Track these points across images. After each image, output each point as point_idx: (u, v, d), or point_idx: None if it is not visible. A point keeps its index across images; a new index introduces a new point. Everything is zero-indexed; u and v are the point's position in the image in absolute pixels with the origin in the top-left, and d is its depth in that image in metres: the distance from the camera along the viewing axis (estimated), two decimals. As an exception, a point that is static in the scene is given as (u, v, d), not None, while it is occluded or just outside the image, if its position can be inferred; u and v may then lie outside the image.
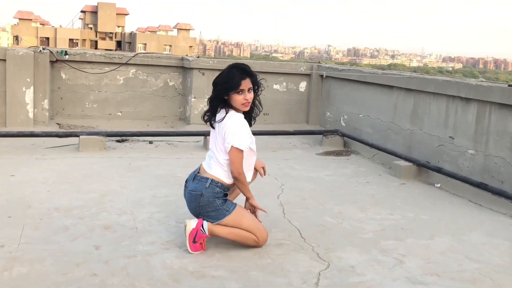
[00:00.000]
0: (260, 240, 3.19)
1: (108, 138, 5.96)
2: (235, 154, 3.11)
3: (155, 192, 4.29)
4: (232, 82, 3.13)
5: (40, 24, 65.50)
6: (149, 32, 68.66)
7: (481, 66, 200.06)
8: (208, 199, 3.14)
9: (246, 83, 3.14)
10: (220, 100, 3.21)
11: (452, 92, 4.86)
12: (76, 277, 2.75)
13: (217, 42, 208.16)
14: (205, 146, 6.05)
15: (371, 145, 5.92)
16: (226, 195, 3.22)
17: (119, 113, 7.27)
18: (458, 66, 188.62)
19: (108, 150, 5.72)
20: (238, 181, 3.19)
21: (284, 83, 7.42)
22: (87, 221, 3.56)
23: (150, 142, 6.25)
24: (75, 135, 5.77)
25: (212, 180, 3.17)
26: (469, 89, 4.66)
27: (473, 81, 4.84)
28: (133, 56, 7.25)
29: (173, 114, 7.51)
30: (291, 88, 7.46)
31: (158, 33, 68.36)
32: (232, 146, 3.10)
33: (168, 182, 4.58)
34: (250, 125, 3.32)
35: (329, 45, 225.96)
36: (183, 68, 7.39)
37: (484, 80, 5.08)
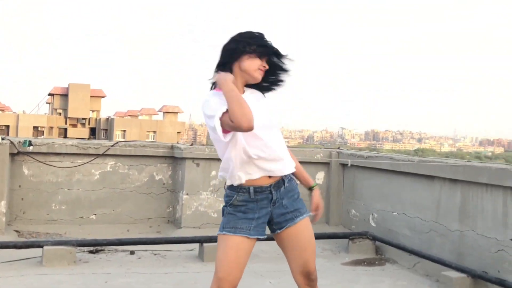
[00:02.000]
0: (214, 280, 2.94)
1: (79, 248, 5.79)
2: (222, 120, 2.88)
3: (139, 320, 4.05)
4: (256, 38, 3.05)
5: (0, 110, 67.14)
6: (129, 117, 70.28)
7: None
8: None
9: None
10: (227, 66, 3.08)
11: (511, 183, 4.77)
12: None
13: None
14: (201, 256, 5.88)
15: (411, 252, 5.81)
16: (232, 204, 3.02)
17: (93, 216, 7.15)
18: (499, 150, 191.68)
19: (78, 264, 5.54)
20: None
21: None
22: None
23: (132, 253, 6.07)
24: (38, 245, 5.61)
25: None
26: (532, 179, 4.57)
27: (536, 168, 4.77)
28: (112, 146, 7.23)
29: (160, 215, 7.38)
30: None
31: (140, 117, 70.08)
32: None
33: (156, 308, 4.35)
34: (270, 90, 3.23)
35: (343, 128, 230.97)
36: (173, 158, 7.37)
37: (550, 167, 5.01)
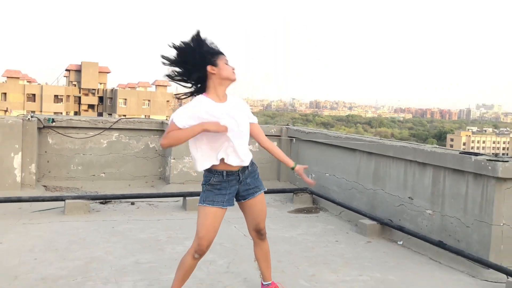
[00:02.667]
0: (194, 243, 2.95)
1: (92, 201, 5.80)
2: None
3: (138, 257, 4.14)
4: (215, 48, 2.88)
5: (27, 81, 64.85)
6: (129, 88, 68.72)
7: (428, 116, 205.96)
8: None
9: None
10: (200, 71, 2.86)
11: (409, 157, 4.93)
12: None
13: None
14: (184, 207, 5.95)
15: (338, 203, 5.91)
16: (209, 183, 2.96)
17: (103, 174, 7.13)
18: (408, 116, 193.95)
19: (92, 213, 5.56)
20: (166, 143, 2.84)
21: (257, 144, 7.42)
22: (73, 292, 3.40)
23: (132, 203, 6.10)
24: (61, 199, 5.61)
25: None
26: (425, 155, 4.74)
27: (428, 147, 4.92)
28: (116, 122, 7.19)
29: (153, 174, 7.40)
30: (262, 149, 7.46)
31: (137, 89, 68.46)
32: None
33: (150, 247, 4.44)
34: None
35: (293, 98, 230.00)
36: (162, 131, 7.34)
37: (437, 146, 5.17)
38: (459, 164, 4.32)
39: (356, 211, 5.53)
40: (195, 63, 2.88)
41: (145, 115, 56.63)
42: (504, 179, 4.00)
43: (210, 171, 2.99)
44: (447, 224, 4.49)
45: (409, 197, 4.97)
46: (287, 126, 7.55)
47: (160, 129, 7.35)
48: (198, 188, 6.87)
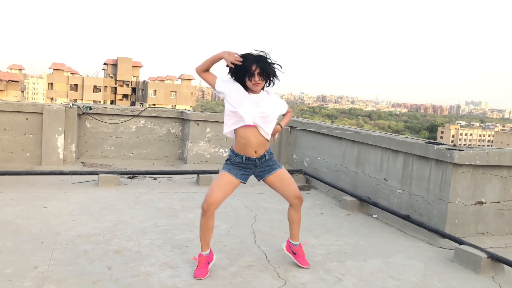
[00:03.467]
0: (204, 200, 3.15)
1: (121, 175, 6.12)
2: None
3: (156, 222, 4.45)
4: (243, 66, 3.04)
5: (70, 73, 65.64)
6: (158, 81, 69.12)
7: (422, 110, 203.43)
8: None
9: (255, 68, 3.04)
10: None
11: (385, 145, 5.14)
12: (92, 293, 2.90)
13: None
14: (198, 182, 6.22)
15: (326, 183, 6.12)
16: (231, 161, 3.19)
17: (131, 154, 7.44)
18: (404, 110, 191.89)
19: (121, 185, 5.88)
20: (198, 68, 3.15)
21: (261, 132, 7.69)
22: (102, 246, 3.71)
23: (155, 179, 6.41)
24: (95, 173, 5.93)
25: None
26: (397, 144, 4.95)
27: (401, 137, 5.12)
28: (143, 110, 7.48)
29: (173, 155, 7.69)
30: (266, 136, 7.72)
31: (166, 81, 68.84)
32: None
33: (166, 214, 4.74)
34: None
35: (302, 93, 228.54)
36: (182, 119, 7.63)
37: (408, 137, 5.36)
38: (424, 151, 4.52)
39: (340, 189, 5.74)
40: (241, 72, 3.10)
41: (172, 105, 57.14)
42: (460, 165, 4.20)
43: (234, 152, 3.23)
44: (413, 201, 4.72)
45: (384, 179, 5.19)
46: (287, 117, 7.74)
47: (180, 118, 7.62)
48: (211, 167, 7.19)
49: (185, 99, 63.25)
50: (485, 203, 4.36)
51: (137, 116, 7.41)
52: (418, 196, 4.65)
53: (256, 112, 3.11)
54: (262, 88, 3.18)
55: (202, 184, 6.12)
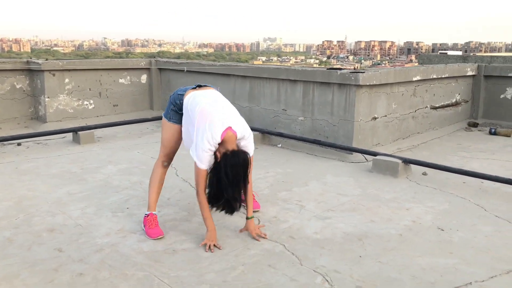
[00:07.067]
0: (161, 153, 3.07)
1: (-24, 146, 4.90)
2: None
3: (67, 189, 3.79)
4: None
5: None
6: None
7: (227, 49, 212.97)
8: (170, 100, 3.05)
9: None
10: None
11: (282, 76, 5.30)
12: (65, 281, 2.39)
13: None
14: (77, 141, 5.45)
15: (218, 122, 6.05)
16: (173, 109, 3.00)
17: (-33, 120, 5.97)
18: (211, 50, 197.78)
19: (-18, 158, 4.73)
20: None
21: (128, 77, 7.01)
22: (25, 228, 3.02)
23: (19, 144, 5.34)
24: None
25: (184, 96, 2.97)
26: (296, 73, 5.16)
27: (298, 67, 5.34)
28: (-25, 63, 5.96)
29: (24, 115, 6.44)
30: (134, 81, 7.09)
31: None
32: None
33: (70, 179, 4.07)
34: None
35: (105, 38, 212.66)
36: (29, 70, 6.38)
37: (304, 66, 5.63)
38: (327, 78, 4.85)
39: (236, 126, 5.76)
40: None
41: None
42: (362, 86, 4.66)
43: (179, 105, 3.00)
44: (317, 126, 5.08)
45: (283, 109, 5.40)
46: (156, 59, 7.23)
47: (26, 69, 6.35)
48: (77, 123, 6.35)
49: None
50: (377, 118, 4.99)
51: (-32, 71, 5.88)
52: (322, 120, 5.02)
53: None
54: None
55: (84, 142, 5.39)
